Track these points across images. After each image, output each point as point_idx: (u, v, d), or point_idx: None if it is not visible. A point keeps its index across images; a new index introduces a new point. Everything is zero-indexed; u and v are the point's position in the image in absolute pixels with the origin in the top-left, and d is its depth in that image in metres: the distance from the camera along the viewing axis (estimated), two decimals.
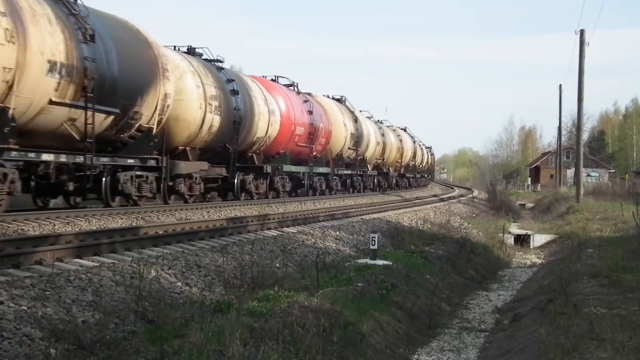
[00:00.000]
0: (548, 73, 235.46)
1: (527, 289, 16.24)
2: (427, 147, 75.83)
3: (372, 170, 43.23)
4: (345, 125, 36.17)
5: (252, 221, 16.19)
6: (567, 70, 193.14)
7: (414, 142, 58.51)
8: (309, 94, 33.51)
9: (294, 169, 29.61)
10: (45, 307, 7.05)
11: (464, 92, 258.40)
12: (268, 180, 26.97)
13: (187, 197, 20.89)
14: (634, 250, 15.68)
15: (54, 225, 13.38)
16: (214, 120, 21.44)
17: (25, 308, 6.83)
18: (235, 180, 23.95)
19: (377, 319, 10.34)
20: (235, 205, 21.59)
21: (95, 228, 13.47)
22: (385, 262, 13.53)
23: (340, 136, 35.53)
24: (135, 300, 7.80)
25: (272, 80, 30.24)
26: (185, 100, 20.09)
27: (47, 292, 7.49)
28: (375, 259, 13.54)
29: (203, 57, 23.33)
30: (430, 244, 18.27)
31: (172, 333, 7.05)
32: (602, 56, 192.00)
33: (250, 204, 22.42)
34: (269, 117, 26.20)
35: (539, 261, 22.51)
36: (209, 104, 21.07)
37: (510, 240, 26.80)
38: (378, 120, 48.44)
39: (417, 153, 58.88)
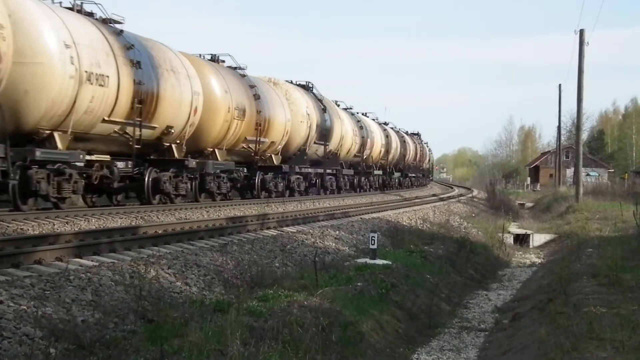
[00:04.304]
0: (548, 73, 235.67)
1: (526, 288, 16.24)
2: (413, 134, 62.72)
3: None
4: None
5: (252, 221, 16.18)
6: (567, 70, 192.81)
7: (318, 102, 32.93)
8: None
9: None
10: (45, 306, 7.05)
11: (464, 92, 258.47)
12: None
13: None
14: (633, 249, 15.68)
15: (54, 224, 13.37)
16: None
17: (25, 307, 6.83)
18: None
19: (376, 319, 10.34)
20: (235, 205, 21.60)
21: (94, 227, 13.46)
22: (385, 262, 13.52)
23: None
24: (135, 299, 7.80)
25: None
26: None
27: (47, 292, 7.48)
28: (374, 259, 13.53)
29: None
30: (429, 244, 18.26)
31: (172, 332, 7.05)
32: (602, 56, 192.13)
33: (250, 204, 22.40)
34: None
35: (538, 261, 22.51)
36: None
37: (510, 239, 26.80)
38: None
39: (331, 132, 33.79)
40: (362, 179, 41.36)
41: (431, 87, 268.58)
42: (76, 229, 12.97)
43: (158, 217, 16.35)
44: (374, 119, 47.18)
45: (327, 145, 33.38)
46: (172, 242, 11.97)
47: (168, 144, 20.08)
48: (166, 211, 17.41)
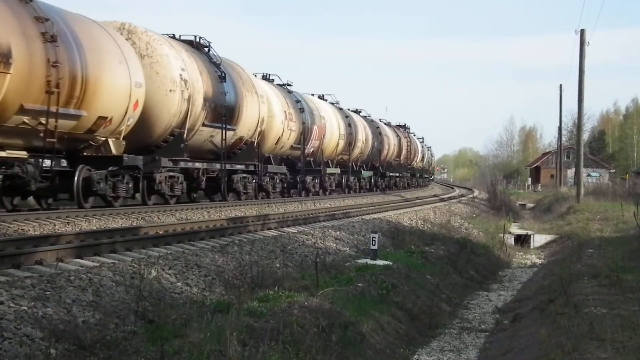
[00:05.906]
0: (548, 73, 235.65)
1: (527, 289, 16.24)
2: (399, 126, 52.81)
3: None
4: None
5: (252, 221, 16.19)
6: (568, 70, 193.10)
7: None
8: None
9: None
10: (45, 307, 7.05)
11: (465, 92, 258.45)
12: None
13: None
14: (634, 250, 15.70)
15: (55, 225, 13.37)
16: None
17: (25, 308, 6.83)
18: None
19: (377, 319, 10.34)
20: (236, 205, 21.61)
21: (95, 228, 13.46)
22: (386, 262, 13.53)
23: None
24: (136, 300, 7.80)
25: None
26: None
27: (47, 292, 7.49)
28: (375, 259, 13.54)
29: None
30: (430, 244, 18.27)
31: (173, 333, 7.06)
32: (603, 56, 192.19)
33: (250, 204, 22.40)
34: None
35: (539, 261, 22.51)
36: None
37: (511, 240, 26.82)
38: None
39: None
40: (308, 179, 31.37)
41: (431, 87, 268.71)
42: (77, 230, 12.97)
43: (159, 218, 16.37)
44: (333, 103, 36.77)
45: (233, 129, 23.02)
46: (173, 242, 11.97)
47: None
48: (167, 212, 17.42)
